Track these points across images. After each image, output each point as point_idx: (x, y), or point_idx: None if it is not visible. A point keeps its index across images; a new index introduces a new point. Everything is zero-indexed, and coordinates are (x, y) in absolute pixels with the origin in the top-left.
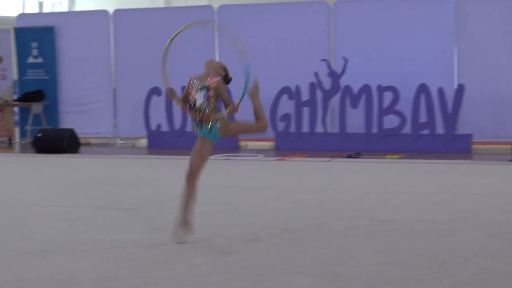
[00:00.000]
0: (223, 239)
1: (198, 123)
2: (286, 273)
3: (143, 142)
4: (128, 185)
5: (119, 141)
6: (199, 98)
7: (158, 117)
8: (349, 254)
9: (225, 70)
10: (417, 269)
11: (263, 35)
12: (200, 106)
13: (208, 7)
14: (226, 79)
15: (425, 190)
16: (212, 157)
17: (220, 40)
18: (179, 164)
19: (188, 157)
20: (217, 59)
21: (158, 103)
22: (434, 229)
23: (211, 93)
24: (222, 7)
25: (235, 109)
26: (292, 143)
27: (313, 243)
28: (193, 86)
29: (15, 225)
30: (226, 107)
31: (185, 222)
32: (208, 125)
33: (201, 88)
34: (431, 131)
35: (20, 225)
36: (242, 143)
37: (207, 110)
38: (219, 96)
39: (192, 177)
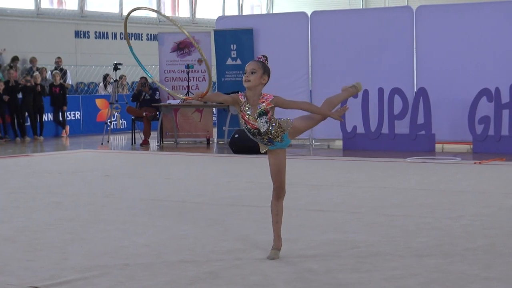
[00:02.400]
0: (419, 243)
1: (268, 142)
2: (483, 279)
3: (338, 144)
4: (322, 186)
5: (314, 143)
6: (262, 125)
7: (354, 119)
8: None
9: (264, 69)
10: None
11: (463, 36)
12: (266, 131)
13: (407, 7)
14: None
15: None
16: (408, 159)
17: (418, 41)
18: (374, 166)
19: (382, 159)
20: (414, 57)
21: (355, 104)
22: None
23: (270, 114)
24: (421, 7)
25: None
26: (490, 146)
27: (511, 249)
28: (247, 113)
29: (214, 225)
30: (305, 109)
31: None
32: (279, 138)
33: (259, 115)
34: None
35: (218, 224)
36: (439, 146)
37: (273, 131)
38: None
39: (283, 193)
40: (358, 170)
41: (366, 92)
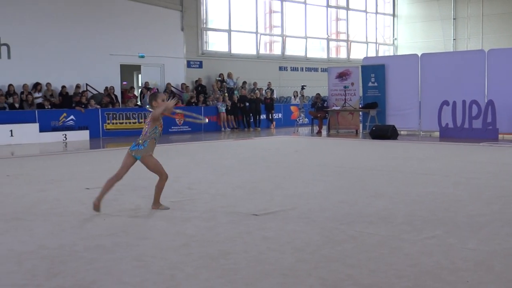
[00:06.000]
0: (486, 195)
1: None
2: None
3: (437, 134)
4: (425, 159)
5: (421, 133)
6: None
7: (447, 118)
8: None
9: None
10: None
11: None
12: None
13: (481, 51)
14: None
15: None
16: (481, 144)
17: (489, 71)
18: (459, 148)
19: (464, 144)
20: (486, 81)
21: (447, 109)
22: None
23: (149, 119)
24: (491, 50)
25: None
26: None
27: None
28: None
29: (358, 181)
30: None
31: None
32: (140, 142)
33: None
34: None
35: (361, 181)
36: (501, 136)
37: (140, 137)
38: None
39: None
40: (448, 150)
41: (454, 103)
